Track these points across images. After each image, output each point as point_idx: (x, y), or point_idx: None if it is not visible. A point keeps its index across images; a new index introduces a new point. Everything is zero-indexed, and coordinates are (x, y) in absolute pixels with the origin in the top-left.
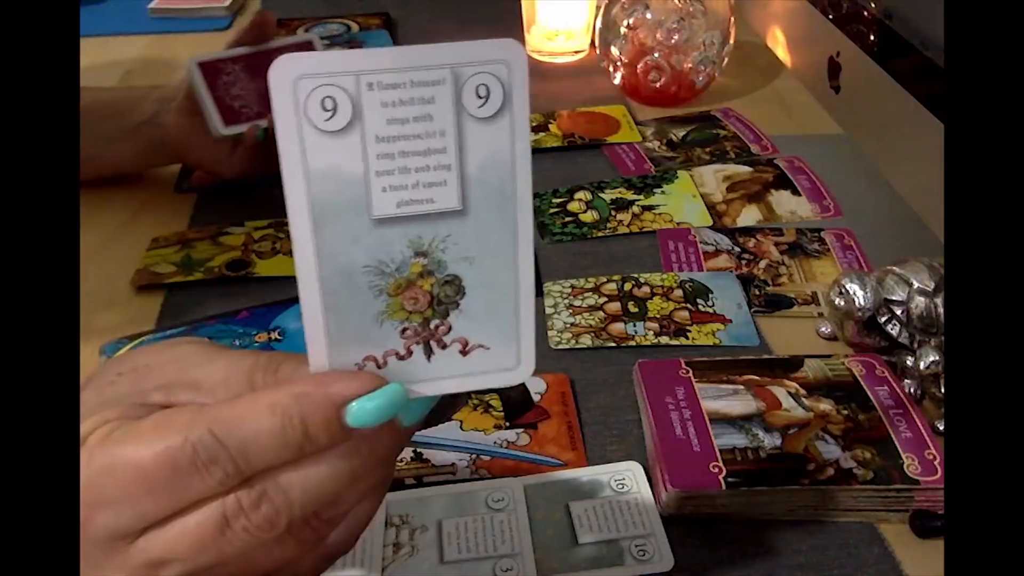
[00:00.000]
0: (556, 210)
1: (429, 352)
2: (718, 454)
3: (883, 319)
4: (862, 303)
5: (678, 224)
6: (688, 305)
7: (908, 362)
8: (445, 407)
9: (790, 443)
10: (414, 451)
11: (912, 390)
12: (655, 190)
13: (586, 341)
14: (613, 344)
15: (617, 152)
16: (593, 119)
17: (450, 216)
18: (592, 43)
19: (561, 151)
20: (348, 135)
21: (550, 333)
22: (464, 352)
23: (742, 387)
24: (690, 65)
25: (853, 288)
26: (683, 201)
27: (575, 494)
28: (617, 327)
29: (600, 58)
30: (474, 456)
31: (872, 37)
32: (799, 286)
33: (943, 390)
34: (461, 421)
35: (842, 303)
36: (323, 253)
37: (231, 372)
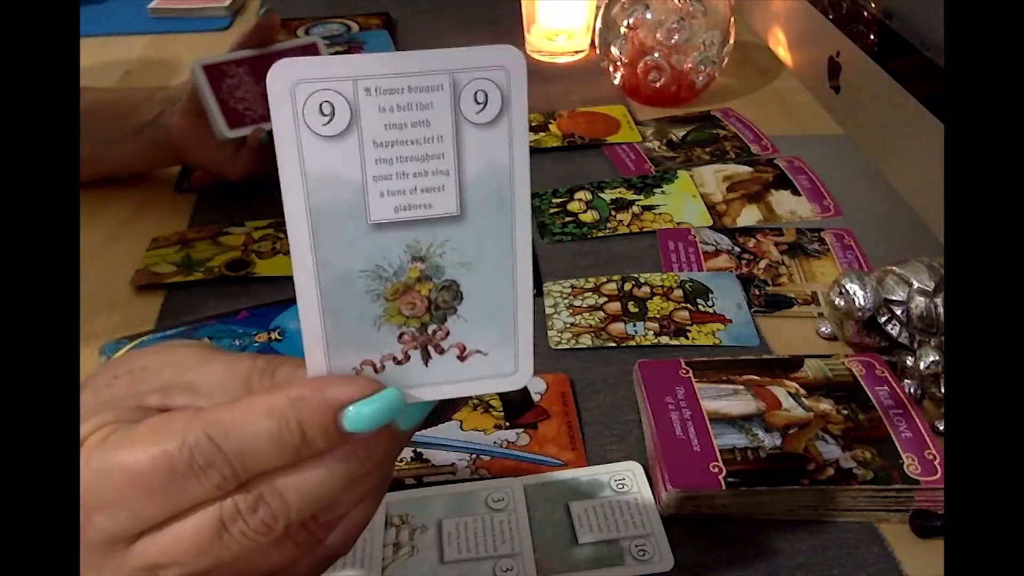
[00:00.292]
0: (556, 210)
1: (427, 357)
2: (718, 454)
3: (883, 319)
4: (862, 303)
5: (678, 224)
6: (688, 305)
7: (908, 362)
8: (443, 409)
9: (790, 443)
10: (414, 451)
11: (912, 390)
12: (655, 190)
13: (586, 341)
14: (613, 344)
15: (617, 152)
16: (593, 119)
17: (448, 221)
18: (592, 43)
19: (561, 151)
20: (346, 140)
21: (550, 333)
22: (462, 357)
23: (742, 387)
24: (690, 65)
25: (853, 288)
26: (683, 201)
27: (575, 494)
28: (617, 327)
29: (600, 58)
30: (474, 456)
31: (872, 37)
32: (799, 286)
33: (943, 390)
34: (461, 421)
35: (842, 303)
36: (321, 257)
37: (228, 375)
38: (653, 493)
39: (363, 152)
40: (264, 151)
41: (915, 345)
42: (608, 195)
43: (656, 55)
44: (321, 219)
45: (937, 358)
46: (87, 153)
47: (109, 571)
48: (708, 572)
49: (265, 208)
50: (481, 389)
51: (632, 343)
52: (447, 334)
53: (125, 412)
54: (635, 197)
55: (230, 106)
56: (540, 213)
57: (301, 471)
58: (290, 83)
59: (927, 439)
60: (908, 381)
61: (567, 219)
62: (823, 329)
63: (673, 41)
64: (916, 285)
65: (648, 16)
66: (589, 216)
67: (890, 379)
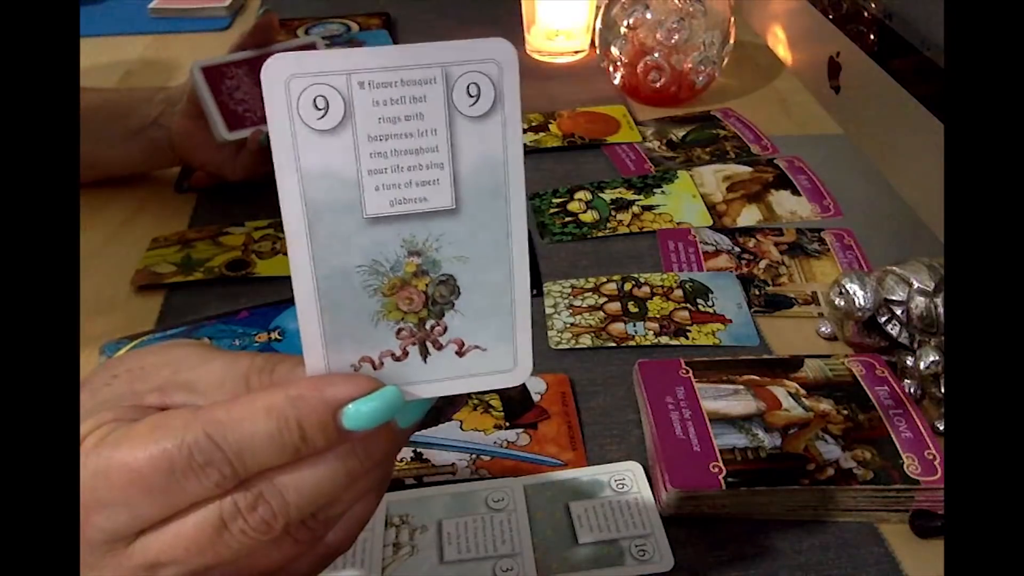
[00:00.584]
0: (556, 210)
1: (425, 353)
2: (718, 454)
3: (883, 319)
4: (862, 303)
5: (678, 224)
6: (688, 305)
7: (908, 362)
8: (444, 408)
9: (790, 443)
10: (414, 451)
11: (912, 390)
12: (655, 190)
13: (586, 341)
14: (613, 344)
15: (617, 152)
16: (593, 119)
17: (443, 215)
18: (592, 43)
19: (561, 151)
20: (340, 134)
21: (550, 333)
22: (460, 353)
23: (742, 387)
24: (690, 65)
25: (853, 288)
26: (683, 201)
27: (575, 494)
28: (617, 327)
29: (600, 58)
30: (474, 456)
31: (872, 37)
32: (799, 286)
33: (943, 390)
34: (461, 421)
35: (842, 303)
36: (317, 253)
37: (227, 374)
38: (653, 493)
39: (357, 146)
40: (264, 152)
41: (915, 345)
42: (608, 195)
43: (656, 55)
44: (317, 214)
45: (937, 358)
46: (87, 154)
47: (109, 570)
48: (708, 572)
49: (265, 208)
50: (480, 385)
51: (632, 343)
52: (445, 330)
53: (124, 411)
54: (635, 197)
55: (229, 108)
56: (540, 213)
57: (300, 469)
58: (284, 78)
59: (927, 439)
60: (908, 381)
61: (567, 219)
62: (823, 329)
63: (673, 41)
64: (916, 285)
65: (648, 16)
66: (589, 216)
67: (890, 379)
